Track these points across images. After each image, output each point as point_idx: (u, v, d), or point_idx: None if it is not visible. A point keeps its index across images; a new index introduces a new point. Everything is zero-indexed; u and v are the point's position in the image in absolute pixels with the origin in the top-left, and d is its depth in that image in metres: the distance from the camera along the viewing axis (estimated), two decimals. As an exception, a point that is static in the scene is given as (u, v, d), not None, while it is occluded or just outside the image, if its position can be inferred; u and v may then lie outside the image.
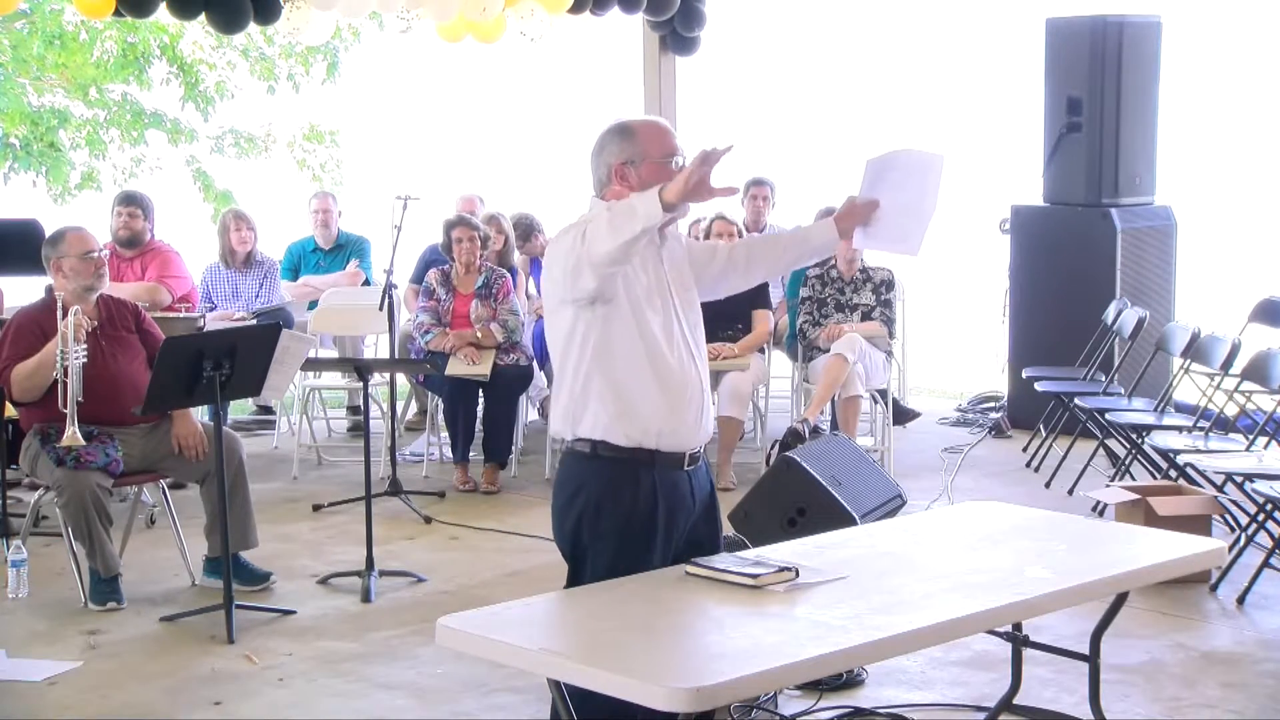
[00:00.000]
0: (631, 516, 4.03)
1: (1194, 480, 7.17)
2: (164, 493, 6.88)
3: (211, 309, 9.18)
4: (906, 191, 4.25)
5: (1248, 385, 7.52)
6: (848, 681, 5.31)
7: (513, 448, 8.76)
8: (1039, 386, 8.83)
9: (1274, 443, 7.30)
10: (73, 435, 6.15)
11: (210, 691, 5.45)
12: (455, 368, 8.44)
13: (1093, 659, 4.64)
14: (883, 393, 8.76)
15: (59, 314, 6.29)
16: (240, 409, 10.28)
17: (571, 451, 4.11)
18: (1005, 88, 15.78)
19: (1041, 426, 8.99)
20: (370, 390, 7.31)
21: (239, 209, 10.13)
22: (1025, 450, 9.13)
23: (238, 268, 9.47)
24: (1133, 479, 7.86)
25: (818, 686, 5.20)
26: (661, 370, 4.03)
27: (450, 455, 8.80)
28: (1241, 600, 6.32)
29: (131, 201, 8.87)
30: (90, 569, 6.37)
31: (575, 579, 4.12)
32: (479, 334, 8.53)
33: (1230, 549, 6.41)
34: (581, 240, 3.89)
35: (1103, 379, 8.78)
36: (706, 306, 4.34)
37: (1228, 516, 7.03)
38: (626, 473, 4.03)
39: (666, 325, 4.06)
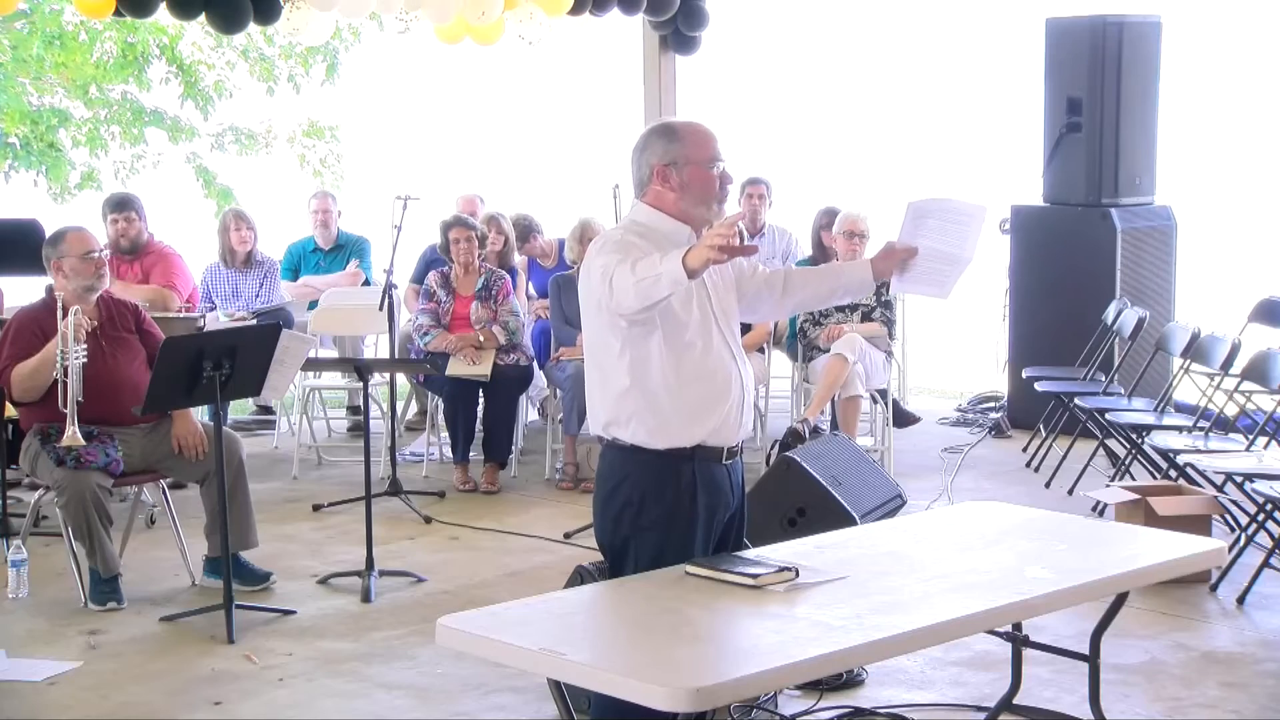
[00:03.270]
0: (674, 509, 4.07)
1: (1194, 480, 7.17)
2: (164, 493, 6.88)
3: (211, 309, 9.17)
4: (946, 240, 4.27)
5: (1248, 385, 7.52)
6: (848, 681, 5.31)
7: (513, 448, 8.76)
8: (1039, 386, 8.83)
9: (1274, 443, 7.29)
10: (73, 435, 6.14)
11: (210, 691, 5.45)
12: (455, 368, 8.44)
13: (1093, 659, 4.64)
14: (883, 393, 8.76)
15: (59, 314, 6.29)
16: (240, 409, 10.28)
17: (613, 445, 4.14)
18: (1005, 88, 15.78)
19: (1041, 426, 8.99)
20: (370, 390, 7.31)
21: (239, 209, 10.13)
22: (1025, 450, 9.13)
23: (238, 267, 9.47)
24: (1133, 479, 7.86)
25: (818, 686, 5.20)
26: (701, 377, 4.06)
27: (450, 455, 8.80)
28: (1241, 600, 6.32)
29: (124, 206, 8.72)
30: (90, 569, 6.37)
31: (616, 572, 4.15)
32: (481, 337, 8.53)
33: (1230, 549, 6.40)
34: (609, 291, 3.91)
35: (1103, 379, 8.78)
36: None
37: (1228, 516, 7.03)
38: (668, 467, 4.07)
39: (705, 329, 4.08)
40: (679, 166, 4.10)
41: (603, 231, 4.26)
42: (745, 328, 8.50)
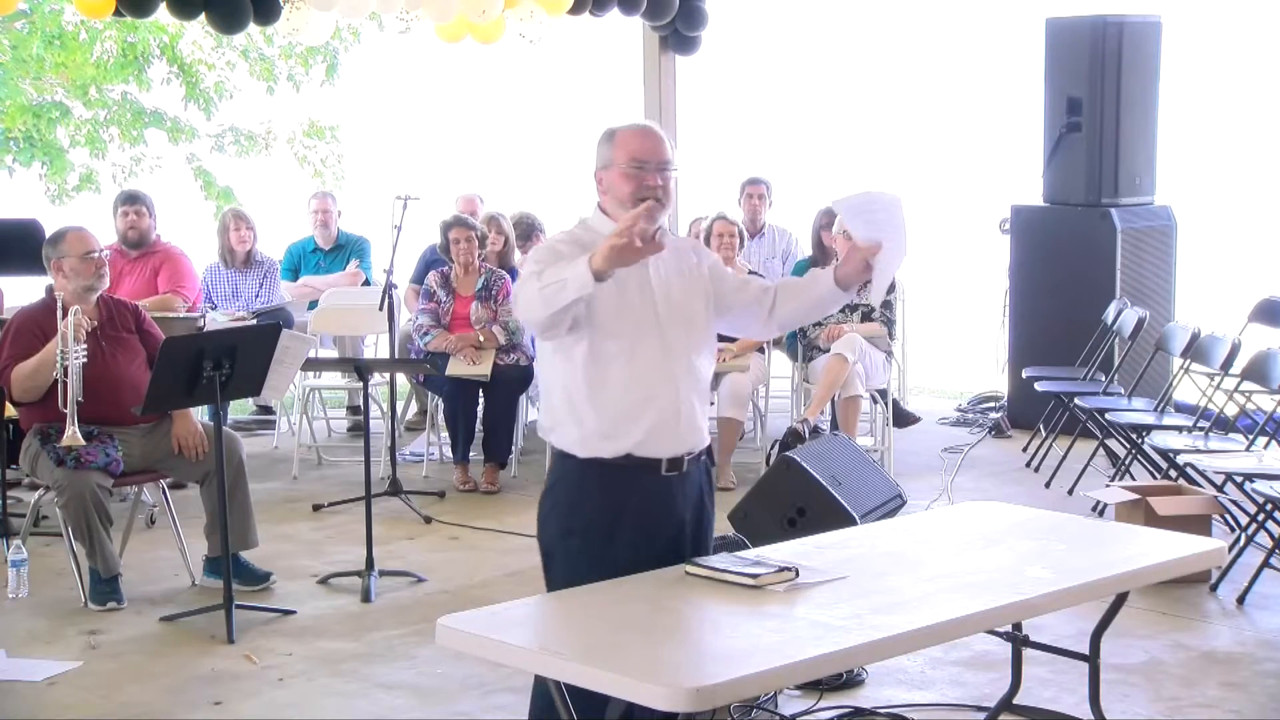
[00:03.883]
0: (595, 518, 3.99)
1: (1194, 480, 7.17)
2: (164, 493, 6.88)
3: (211, 309, 9.17)
4: (888, 233, 4.10)
5: (1248, 385, 7.52)
6: (848, 681, 5.31)
7: (513, 448, 8.76)
8: (1039, 386, 8.83)
9: (1274, 443, 7.29)
10: (73, 435, 6.14)
11: (210, 691, 5.46)
12: (455, 368, 8.44)
13: (1093, 659, 4.64)
14: (883, 393, 8.76)
15: (59, 314, 6.29)
16: (240, 409, 10.28)
17: (554, 449, 4.11)
18: (1005, 88, 15.79)
19: (1041, 426, 8.99)
20: (370, 390, 7.31)
21: (238, 209, 10.14)
22: (1025, 450, 9.13)
23: (237, 267, 9.47)
24: (1133, 479, 7.86)
25: (818, 686, 5.20)
26: (626, 388, 3.94)
27: (450, 455, 8.80)
28: (1241, 600, 6.32)
29: (136, 200, 8.85)
30: (90, 569, 6.37)
31: (545, 573, 4.11)
32: (481, 337, 8.54)
33: (1230, 549, 6.41)
34: (516, 302, 3.88)
35: (1103, 379, 8.78)
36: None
37: (1228, 516, 7.03)
38: (593, 475, 3.99)
39: (639, 339, 3.95)
40: (607, 170, 4.03)
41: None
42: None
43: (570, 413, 3.99)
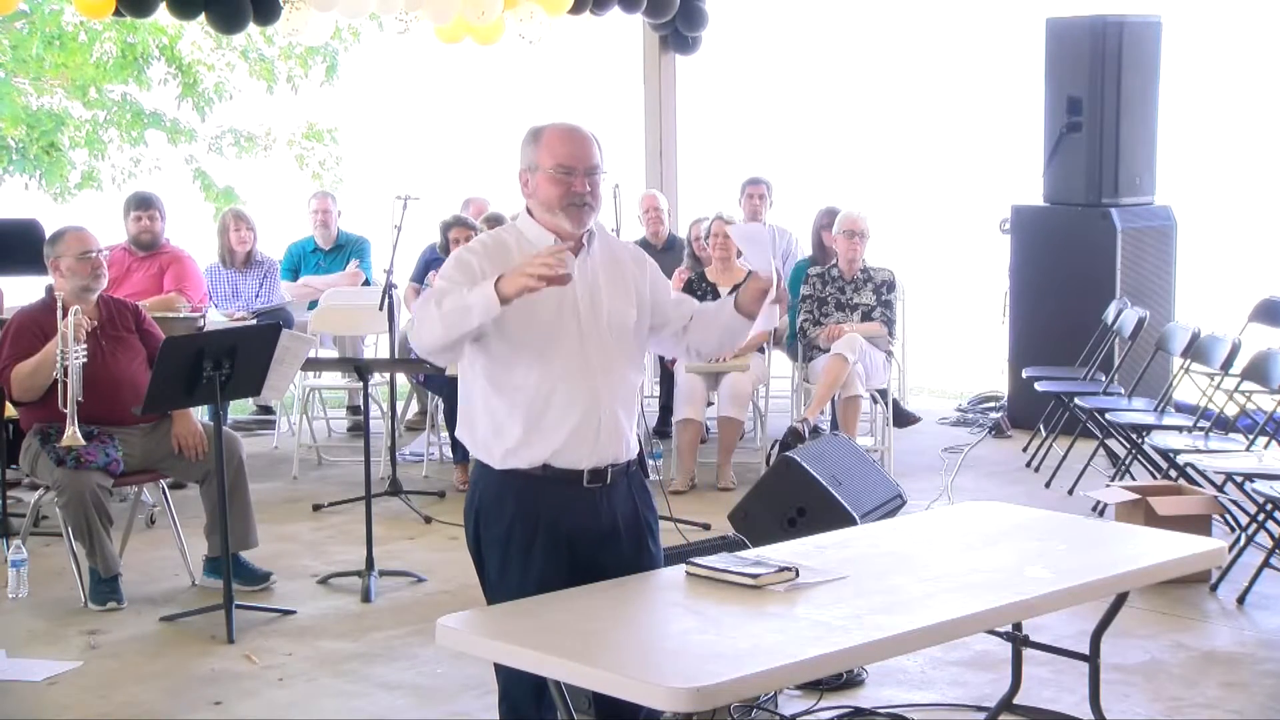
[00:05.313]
0: (513, 528, 3.92)
1: (1194, 480, 7.17)
2: (164, 493, 6.88)
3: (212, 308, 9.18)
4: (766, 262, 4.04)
5: (1248, 385, 7.52)
6: (848, 681, 5.31)
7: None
8: (1039, 386, 8.83)
9: (1274, 443, 7.29)
10: (73, 435, 6.14)
11: (210, 691, 5.46)
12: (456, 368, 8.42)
13: (1093, 659, 4.64)
14: (883, 393, 8.76)
15: (59, 314, 6.29)
16: (240, 409, 10.28)
17: (474, 459, 4.05)
18: (1005, 88, 15.79)
19: (1041, 426, 8.99)
20: (370, 390, 7.31)
21: (238, 209, 10.14)
22: (1025, 450, 9.13)
23: (237, 268, 9.47)
24: (1133, 479, 7.86)
25: (818, 686, 5.21)
26: (535, 399, 3.87)
27: (450, 455, 8.80)
28: (1241, 600, 6.32)
29: (148, 205, 8.82)
30: (90, 569, 6.37)
31: (478, 575, 4.07)
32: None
33: (1230, 549, 6.40)
34: (413, 326, 3.84)
35: (1103, 379, 8.78)
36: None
37: (1228, 516, 7.03)
38: (509, 485, 3.92)
39: (551, 349, 3.87)
40: (532, 172, 3.94)
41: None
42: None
43: (486, 421, 3.93)
